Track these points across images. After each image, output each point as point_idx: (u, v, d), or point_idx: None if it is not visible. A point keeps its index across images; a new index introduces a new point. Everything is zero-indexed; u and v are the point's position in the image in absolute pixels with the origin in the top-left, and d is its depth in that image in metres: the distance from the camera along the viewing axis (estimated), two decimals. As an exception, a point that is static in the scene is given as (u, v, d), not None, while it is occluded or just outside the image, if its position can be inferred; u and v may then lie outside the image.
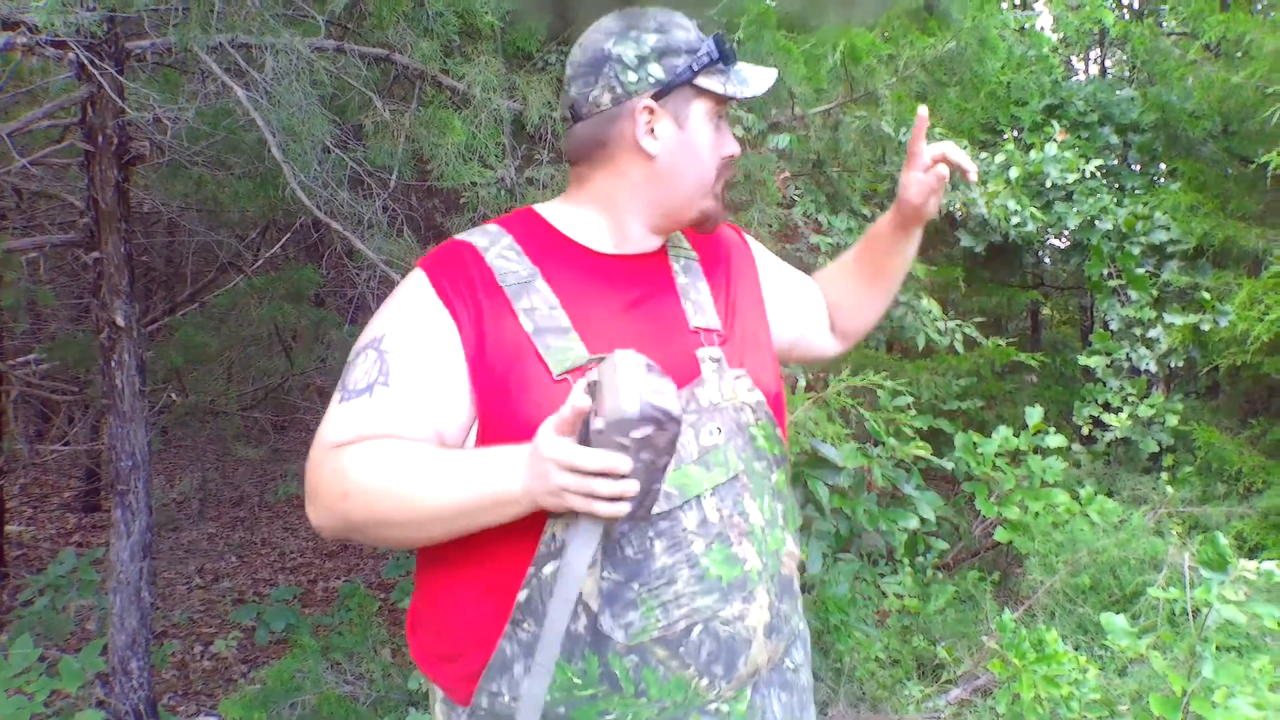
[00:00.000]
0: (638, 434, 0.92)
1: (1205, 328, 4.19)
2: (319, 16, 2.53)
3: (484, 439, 1.10)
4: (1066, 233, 4.67)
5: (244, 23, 2.39)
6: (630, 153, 1.17)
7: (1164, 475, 4.25)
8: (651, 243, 1.24)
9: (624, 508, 0.96)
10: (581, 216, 1.22)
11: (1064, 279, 6.35)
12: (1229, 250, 4.41)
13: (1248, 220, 4.38)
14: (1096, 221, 4.47)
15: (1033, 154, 4.30)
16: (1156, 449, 4.35)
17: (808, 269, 1.55)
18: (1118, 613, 2.50)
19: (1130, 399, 4.41)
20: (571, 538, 0.99)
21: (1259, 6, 5.07)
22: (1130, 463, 4.48)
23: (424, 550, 1.18)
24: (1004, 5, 4.90)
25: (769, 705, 1.18)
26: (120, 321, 2.85)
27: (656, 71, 1.15)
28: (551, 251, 1.18)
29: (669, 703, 1.09)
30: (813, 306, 1.48)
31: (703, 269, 1.29)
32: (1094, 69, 8.17)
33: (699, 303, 1.24)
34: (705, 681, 1.10)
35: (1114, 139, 4.82)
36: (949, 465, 3.46)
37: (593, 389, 0.97)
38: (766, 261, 1.43)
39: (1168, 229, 4.43)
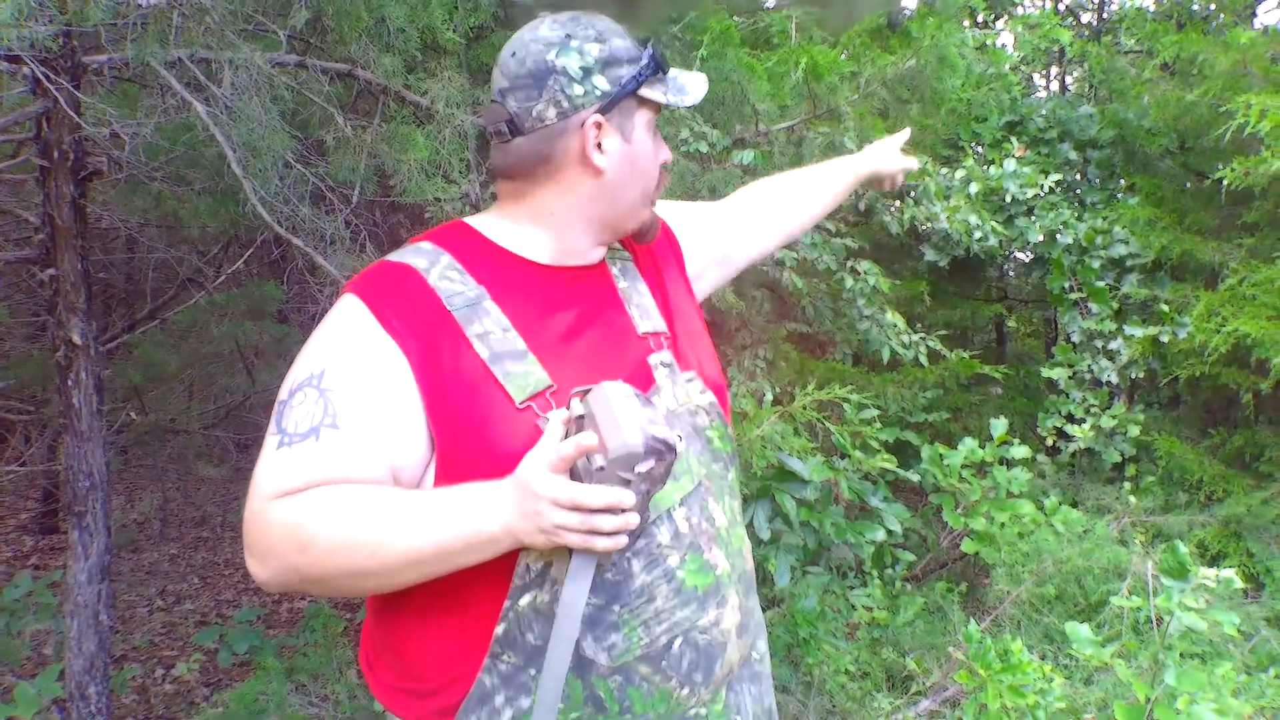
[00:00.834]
0: (642, 468, 0.91)
1: (1165, 339, 4.25)
2: (280, 31, 2.51)
3: (445, 475, 1.05)
4: (1029, 247, 4.73)
5: (203, 38, 2.37)
6: (577, 167, 1.15)
7: (1127, 485, 4.30)
8: (595, 254, 1.23)
9: (623, 541, 0.95)
10: (520, 232, 1.18)
11: (1028, 292, 6.42)
12: (1186, 263, 4.48)
13: (1204, 234, 4.46)
14: (1058, 235, 4.54)
15: (992, 169, 4.34)
16: (1119, 459, 4.41)
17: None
18: (1083, 622, 2.52)
19: (1093, 410, 4.46)
20: (568, 575, 0.97)
21: (1212, 27, 5.19)
22: (1094, 473, 4.53)
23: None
24: (965, 24, 4.96)
25: (742, 701, 1.19)
26: (77, 339, 2.80)
27: (601, 84, 1.12)
28: (494, 268, 1.14)
29: (652, 715, 1.08)
30: (726, 234, 1.51)
31: (638, 268, 1.28)
32: (1055, 86, 8.31)
33: (643, 306, 1.24)
34: (686, 691, 1.10)
35: (1073, 155, 4.89)
36: (915, 477, 3.48)
37: (578, 423, 0.96)
38: (677, 219, 1.43)
39: (1127, 243, 4.50)
